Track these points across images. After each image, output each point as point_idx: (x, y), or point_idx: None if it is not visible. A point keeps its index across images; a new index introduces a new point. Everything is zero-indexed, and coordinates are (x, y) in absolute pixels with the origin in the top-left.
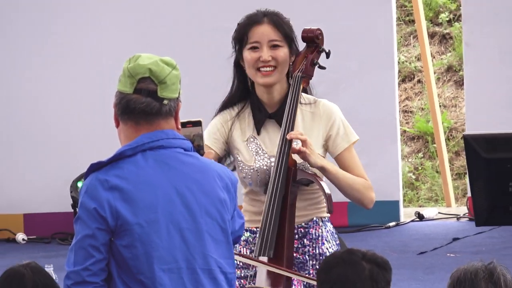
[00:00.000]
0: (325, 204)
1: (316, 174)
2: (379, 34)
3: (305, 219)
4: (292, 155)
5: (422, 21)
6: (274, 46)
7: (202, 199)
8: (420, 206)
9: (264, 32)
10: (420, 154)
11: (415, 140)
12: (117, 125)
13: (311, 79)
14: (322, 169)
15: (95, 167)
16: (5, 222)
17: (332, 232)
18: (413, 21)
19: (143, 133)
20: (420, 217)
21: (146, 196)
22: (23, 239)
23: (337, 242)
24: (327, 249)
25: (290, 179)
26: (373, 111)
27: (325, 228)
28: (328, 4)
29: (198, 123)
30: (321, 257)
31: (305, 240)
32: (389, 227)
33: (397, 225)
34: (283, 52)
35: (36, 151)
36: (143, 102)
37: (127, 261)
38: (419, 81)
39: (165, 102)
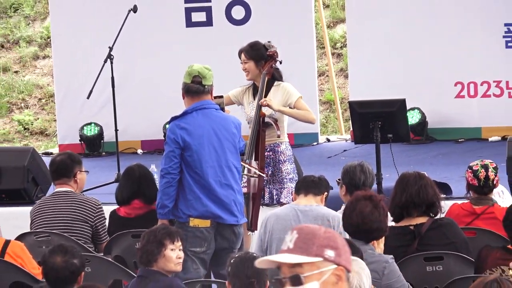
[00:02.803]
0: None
1: (276, 121)
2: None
3: (272, 142)
4: (262, 109)
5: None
6: (245, 62)
7: (225, 132)
8: (328, 135)
9: (242, 56)
10: (328, 111)
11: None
12: (183, 98)
13: (272, 73)
14: (280, 111)
15: (173, 118)
16: (132, 143)
17: (289, 149)
18: None
19: (195, 102)
20: (328, 140)
21: (197, 131)
22: (141, 152)
23: (291, 154)
24: (284, 156)
25: (260, 121)
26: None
27: (284, 147)
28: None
29: (221, 97)
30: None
31: (271, 152)
32: (313, 145)
33: (317, 144)
34: (248, 65)
35: (148, 105)
36: (195, 87)
37: (189, 163)
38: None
39: (206, 87)
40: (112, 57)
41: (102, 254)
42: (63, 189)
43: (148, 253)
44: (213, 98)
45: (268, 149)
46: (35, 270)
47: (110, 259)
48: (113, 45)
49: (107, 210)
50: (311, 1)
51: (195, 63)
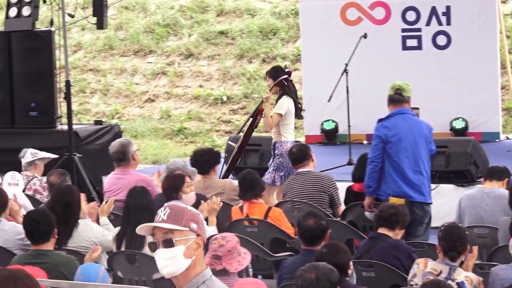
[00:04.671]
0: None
1: (261, 117)
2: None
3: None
4: (262, 105)
5: None
6: (267, 80)
7: (418, 132)
8: (507, 134)
9: (267, 75)
10: (507, 116)
11: (505, 111)
12: (388, 105)
13: (283, 87)
14: (266, 105)
15: (380, 120)
16: (359, 136)
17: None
18: None
19: (396, 108)
20: (507, 137)
21: (397, 130)
22: (366, 142)
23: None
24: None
25: (257, 112)
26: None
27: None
28: None
29: (417, 108)
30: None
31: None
32: (496, 141)
33: (499, 141)
34: (269, 81)
35: (371, 107)
36: (397, 97)
37: (389, 153)
38: None
39: (405, 97)
40: (347, 71)
41: (339, 218)
42: (303, 169)
43: None
44: (410, 107)
45: (273, 144)
46: (289, 230)
47: (345, 223)
48: (348, 62)
49: (342, 186)
50: (496, 33)
51: (407, 78)
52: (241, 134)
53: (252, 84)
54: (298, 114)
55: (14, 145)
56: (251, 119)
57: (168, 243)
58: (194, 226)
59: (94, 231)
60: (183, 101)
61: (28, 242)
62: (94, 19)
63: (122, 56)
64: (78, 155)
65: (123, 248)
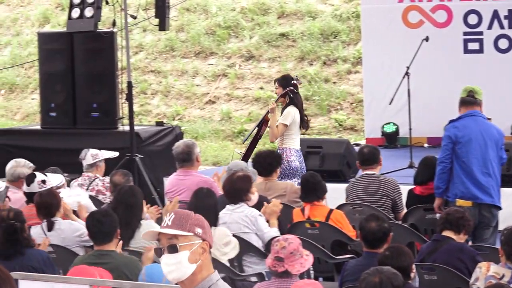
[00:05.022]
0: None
1: (266, 125)
2: None
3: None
4: (268, 115)
5: None
6: (277, 88)
7: (489, 135)
8: None
9: (276, 84)
10: None
11: None
12: (459, 108)
13: (290, 97)
14: (273, 115)
15: (451, 121)
16: (420, 139)
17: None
18: None
19: (468, 110)
20: None
21: (467, 131)
22: (427, 145)
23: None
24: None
25: (263, 121)
26: None
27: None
28: None
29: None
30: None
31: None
32: None
33: None
34: (278, 90)
35: (433, 110)
36: (469, 99)
37: (459, 154)
38: None
39: (477, 100)
40: (408, 74)
41: (401, 221)
42: (369, 172)
43: None
44: (482, 110)
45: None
46: (351, 232)
47: (407, 226)
48: (410, 65)
49: (403, 189)
50: None
51: (468, 81)
52: (247, 142)
53: (313, 87)
54: (304, 125)
55: (76, 146)
56: (256, 128)
57: (173, 249)
58: (199, 231)
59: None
60: (244, 103)
61: (87, 239)
62: (156, 21)
63: (183, 57)
64: (139, 156)
65: None
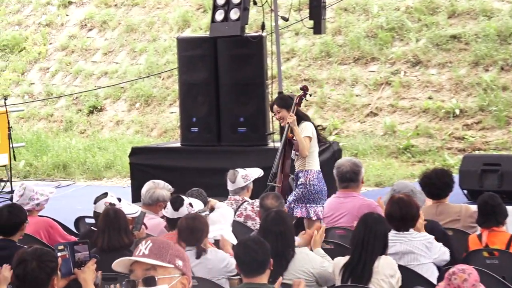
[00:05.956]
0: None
1: (297, 145)
2: None
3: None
4: (289, 132)
5: None
6: (278, 112)
7: None
8: None
9: (274, 108)
10: None
11: None
12: None
13: (298, 114)
14: (295, 128)
15: None
16: None
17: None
18: None
19: None
20: None
21: None
22: None
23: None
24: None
25: (286, 140)
26: None
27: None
28: None
29: None
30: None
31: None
32: None
33: None
34: (281, 113)
35: None
36: None
37: None
38: None
39: None
40: None
41: None
42: None
43: None
44: None
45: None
46: None
47: None
48: None
49: None
50: None
51: None
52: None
53: (489, 95)
54: (322, 138)
55: (220, 165)
56: (283, 150)
57: (150, 281)
58: (179, 263)
59: (313, 261)
60: (410, 115)
61: (233, 269)
62: (310, 23)
63: (340, 64)
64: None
65: (349, 282)
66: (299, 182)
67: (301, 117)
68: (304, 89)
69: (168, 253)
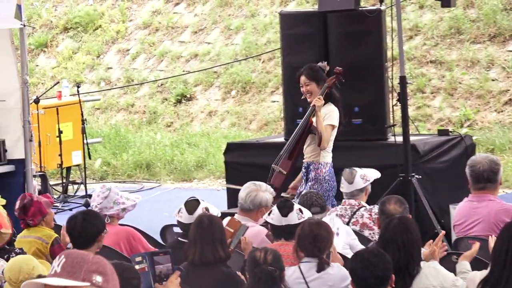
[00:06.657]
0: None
1: (318, 131)
2: None
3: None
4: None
5: None
6: (307, 85)
7: None
8: None
9: (302, 79)
10: None
11: None
12: None
13: (332, 87)
14: (317, 115)
15: None
16: None
17: (322, 169)
18: None
19: None
20: None
21: None
22: None
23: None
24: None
25: (307, 125)
26: None
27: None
28: None
29: None
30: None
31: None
32: None
33: None
34: (310, 87)
35: None
36: None
37: None
38: None
39: None
40: None
41: None
42: None
43: None
44: None
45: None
46: None
47: None
48: None
49: None
50: None
51: None
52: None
53: None
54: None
55: (335, 164)
56: (300, 133)
57: None
58: (97, 279)
59: (442, 277)
60: None
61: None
62: None
63: (473, 43)
64: (416, 176)
65: None
66: (309, 176)
67: (333, 99)
68: (338, 72)
69: (82, 269)
